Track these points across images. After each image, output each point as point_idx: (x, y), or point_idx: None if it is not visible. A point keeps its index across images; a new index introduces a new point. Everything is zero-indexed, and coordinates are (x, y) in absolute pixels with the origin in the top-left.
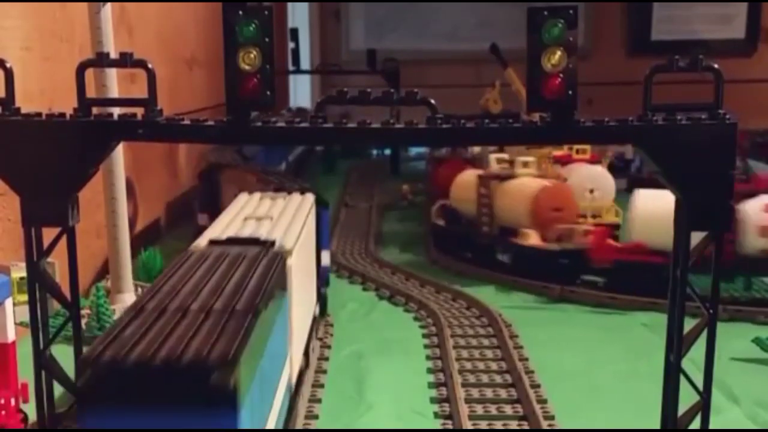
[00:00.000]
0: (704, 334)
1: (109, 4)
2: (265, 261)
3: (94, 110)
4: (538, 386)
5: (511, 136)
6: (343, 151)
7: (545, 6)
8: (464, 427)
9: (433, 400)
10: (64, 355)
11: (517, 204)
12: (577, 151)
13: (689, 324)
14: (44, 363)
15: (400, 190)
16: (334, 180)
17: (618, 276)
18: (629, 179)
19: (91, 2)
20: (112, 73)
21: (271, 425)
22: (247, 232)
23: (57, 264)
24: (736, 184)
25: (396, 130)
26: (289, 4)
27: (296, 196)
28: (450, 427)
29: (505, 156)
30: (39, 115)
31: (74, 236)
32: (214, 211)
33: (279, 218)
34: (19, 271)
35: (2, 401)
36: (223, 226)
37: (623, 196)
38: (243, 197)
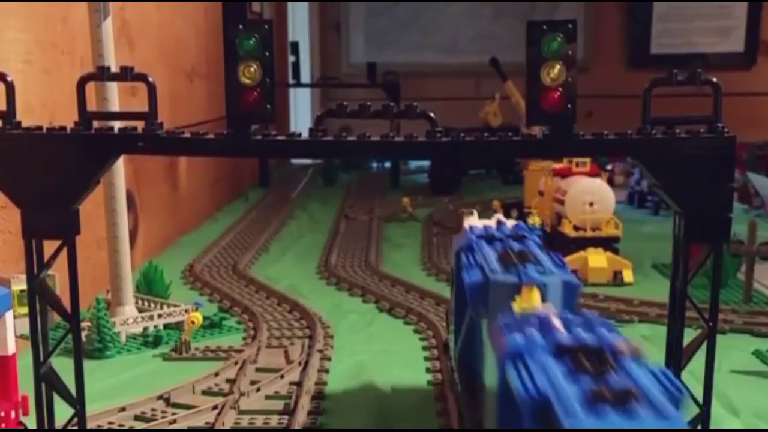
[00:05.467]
0: (704, 346)
1: (110, 18)
2: None
3: (95, 123)
4: None
5: (510, 150)
6: (343, 164)
7: (544, 20)
8: None
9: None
10: (64, 367)
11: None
12: (577, 164)
13: (689, 336)
14: (44, 375)
15: (401, 202)
16: (334, 193)
17: None
18: (629, 192)
19: (91, 13)
20: (113, 86)
21: None
22: None
23: (57, 276)
24: None
25: (396, 143)
26: (290, 18)
27: None
28: None
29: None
30: (40, 128)
31: (75, 249)
32: None
33: None
34: (20, 284)
35: (2, 413)
36: None
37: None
38: None
